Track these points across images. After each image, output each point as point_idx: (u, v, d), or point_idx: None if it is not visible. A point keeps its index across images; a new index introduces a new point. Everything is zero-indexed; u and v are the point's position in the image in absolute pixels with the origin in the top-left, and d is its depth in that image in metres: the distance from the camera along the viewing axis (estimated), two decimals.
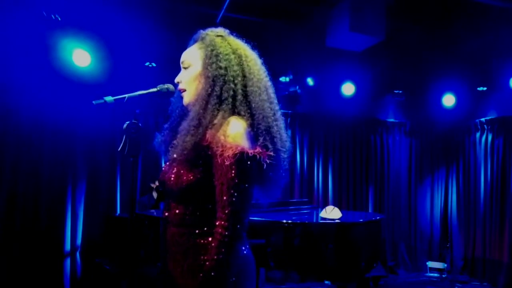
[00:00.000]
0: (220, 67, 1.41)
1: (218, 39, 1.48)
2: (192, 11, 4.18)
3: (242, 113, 1.37)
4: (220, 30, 1.52)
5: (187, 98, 1.49)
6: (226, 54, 1.43)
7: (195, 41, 1.54)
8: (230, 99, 1.38)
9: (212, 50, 1.44)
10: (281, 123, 1.46)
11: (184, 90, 1.49)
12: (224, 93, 1.39)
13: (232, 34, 1.53)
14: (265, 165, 1.33)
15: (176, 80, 1.52)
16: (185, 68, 1.51)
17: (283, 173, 1.46)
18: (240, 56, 1.45)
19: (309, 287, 5.19)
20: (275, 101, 1.48)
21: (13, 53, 4.17)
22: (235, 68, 1.42)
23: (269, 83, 1.50)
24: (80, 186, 4.57)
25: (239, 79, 1.41)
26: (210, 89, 1.40)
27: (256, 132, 1.37)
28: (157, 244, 1.54)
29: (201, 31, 1.53)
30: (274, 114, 1.44)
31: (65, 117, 4.42)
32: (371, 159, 6.34)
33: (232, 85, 1.39)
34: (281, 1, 4.18)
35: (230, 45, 1.46)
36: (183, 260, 1.39)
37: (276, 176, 1.43)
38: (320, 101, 5.97)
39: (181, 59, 1.52)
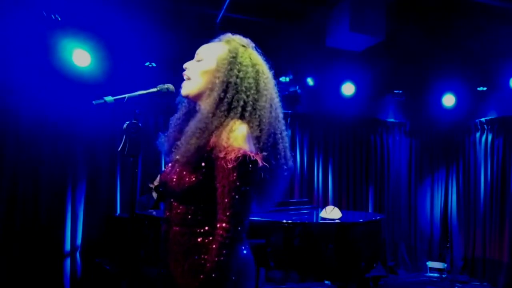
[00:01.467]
0: (237, 76, 1.43)
1: (241, 49, 1.50)
2: (192, 11, 4.18)
3: (251, 124, 1.39)
4: (246, 41, 1.55)
5: (188, 89, 1.49)
6: (245, 66, 1.45)
7: (219, 40, 1.55)
8: (239, 109, 1.40)
9: (233, 57, 1.45)
10: (286, 141, 1.51)
11: (189, 79, 1.50)
12: (235, 102, 1.40)
13: (256, 49, 1.55)
14: (264, 176, 1.37)
15: (184, 66, 1.53)
16: (198, 60, 1.51)
17: (282, 188, 1.50)
18: (257, 72, 1.47)
19: (309, 287, 5.19)
20: (283, 121, 1.52)
21: (13, 53, 4.17)
22: (250, 81, 1.44)
23: (279, 104, 1.53)
24: (80, 186, 4.57)
25: (252, 91, 1.43)
26: (222, 94, 1.41)
27: (261, 146, 1.39)
28: (157, 244, 1.55)
29: (229, 34, 1.55)
30: (281, 132, 1.48)
31: (65, 117, 4.42)
32: (371, 159, 6.34)
33: (244, 96, 1.41)
34: (281, 1, 4.18)
35: (251, 59, 1.48)
36: (184, 259, 1.40)
37: (274, 191, 1.48)
38: (320, 101, 5.97)
39: (197, 51, 1.53)
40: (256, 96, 1.43)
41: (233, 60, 1.45)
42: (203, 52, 1.51)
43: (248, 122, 1.39)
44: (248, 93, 1.42)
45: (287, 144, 1.51)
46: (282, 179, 1.48)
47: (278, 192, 1.50)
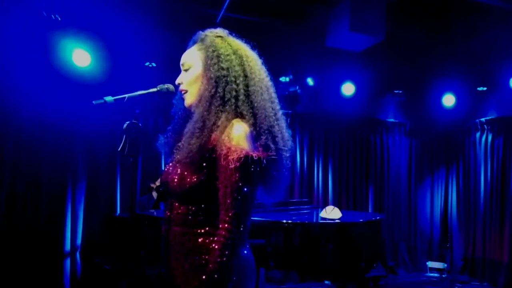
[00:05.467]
0: (222, 68, 1.41)
1: (218, 40, 1.48)
2: (192, 11, 4.18)
3: (245, 112, 1.38)
4: (220, 31, 1.52)
5: (189, 99, 1.49)
6: (227, 55, 1.43)
7: (195, 42, 1.54)
8: (233, 100, 1.39)
9: (213, 51, 1.44)
10: (282, 122, 1.47)
11: (186, 91, 1.49)
12: (227, 94, 1.39)
13: (231, 34, 1.53)
14: (268, 165, 1.34)
15: (177, 82, 1.52)
16: (185, 70, 1.51)
17: (285, 172, 1.46)
18: (241, 57, 1.45)
19: (309, 287, 5.19)
20: (276, 100, 1.49)
21: (13, 53, 4.16)
22: (237, 68, 1.42)
23: (270, 83, 1.50)
24: (80, 186, 4.57)
25: (241, 79, 1.41)
26: (213, 90, 1.40)
27: (258, 131, 1.37)
28: (157, 244, 1.54)
29: (200, 32, 1.53)
30: (276, 113, 1.45)
31: (65, 117, 4.42)
32: (371, 159, 6.34)
33: (235, 86, 1.40)
34: (281, 1, 4.18)
35: (231, 46, 1.47)
36: (184, 259, 1.40)
37: (279, 175, 1.43)
38: (320, 101, 5.98)
39: (181, 61, 1.52)
40: (245, 82, 1.42)
41: (214, 54, 1.43)
42: (186, 60, 1.51)
43: (243, 111, 1.38)
44: (237, 81, 1.41)
45: (283, 124, 1.46)
46: (284, 161, 1.44)
47: (283, 175, 1.45)
